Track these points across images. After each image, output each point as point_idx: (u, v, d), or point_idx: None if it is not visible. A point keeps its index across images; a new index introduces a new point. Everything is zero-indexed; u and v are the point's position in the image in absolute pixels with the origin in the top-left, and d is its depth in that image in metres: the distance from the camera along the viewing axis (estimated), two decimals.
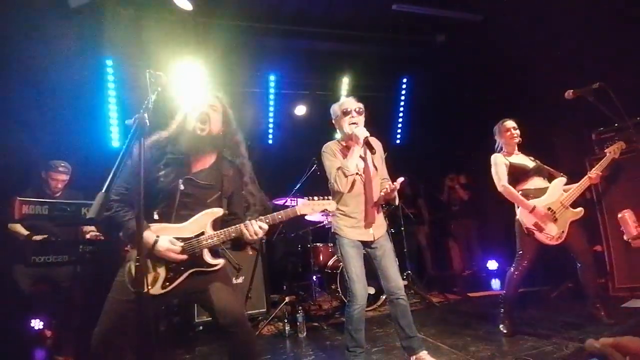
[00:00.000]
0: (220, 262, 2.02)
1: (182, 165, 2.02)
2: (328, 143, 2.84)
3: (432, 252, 6.49)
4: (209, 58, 5.20)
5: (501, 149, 3.44)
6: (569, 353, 2.65)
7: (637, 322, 3.08)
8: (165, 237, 1.86)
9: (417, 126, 6.93)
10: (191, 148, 2.05)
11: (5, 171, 3.85)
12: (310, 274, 4.82)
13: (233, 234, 1.98)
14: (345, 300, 2.87)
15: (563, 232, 3.13)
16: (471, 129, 5.62)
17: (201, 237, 1.95)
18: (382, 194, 2.66)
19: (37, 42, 4.09)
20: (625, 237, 3.69)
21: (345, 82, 6.40)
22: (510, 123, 3.38)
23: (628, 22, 3.99)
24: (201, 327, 4.11)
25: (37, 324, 3.82)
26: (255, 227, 1.96)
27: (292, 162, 4.81)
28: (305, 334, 3.78)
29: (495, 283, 5.75)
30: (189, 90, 2.05)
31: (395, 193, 2.66)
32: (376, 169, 2.79)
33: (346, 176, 2.57)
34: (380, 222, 2.79)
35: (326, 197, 2.23)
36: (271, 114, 6.34)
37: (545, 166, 3.37)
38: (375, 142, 2.80)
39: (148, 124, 1.61)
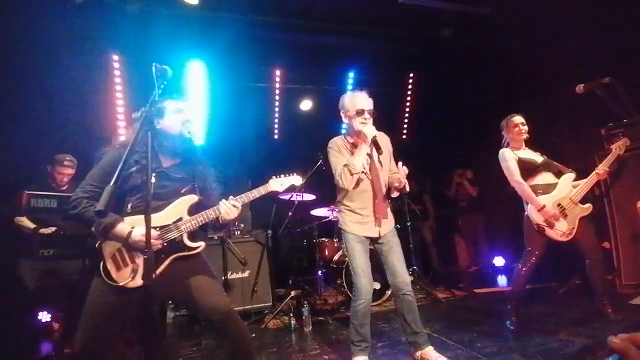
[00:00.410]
0: (201, 244, 2.08)
1: (152, 161, 2.04)
2: (334, 138, 2.83)
3: (438, 248, 6.47)
4: (215, 52, 5.19)
5: (508, 144, 3.41)
6: (576, 350, 2.64)
7: None
8: (139, 226, 1.88)
9: (423, 122, 6.87)
10: (176, 149, 2.11)
11: (12, 165, 3.88)
12: (315, 269, 4.83)
13: (212, 216, 2.06)
14: (351, 295, 2.88)
15: (573, 228, 3.12)
16: (477, 124, 5.57)
17: (179, 222, 2.01)
18: (397, 185, 2.68)
19: (42, 38, 4.10)
20: None
21: (351, 77, 6.37)
22: (518, 118, 3.35)
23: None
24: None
25: (44, 316, 3.85)
26: (228, 205, 2.07)
27: (298, 157, 4.80)
28: (310, 327, 3.79)
29: (502, 279, 5.72)
30: (166, 92, 2.05)
31: (405, 181, 2.66)
32: (382, 165, 2.78)
33: (352, 174, 2.57)
34: (387, 219, 2.78)
35: (292, 174, 2.40)
36: (277, 109, 6.32)
37: (553, 162, 3.34)
38: (383, 137, 2.79)
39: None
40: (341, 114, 2.82)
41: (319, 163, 4.26)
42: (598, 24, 4.21)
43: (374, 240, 2.74)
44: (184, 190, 2.10)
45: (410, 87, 6.85)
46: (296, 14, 5.09)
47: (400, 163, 2.68)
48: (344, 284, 4.30)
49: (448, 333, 3.28)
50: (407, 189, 2.73)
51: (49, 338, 3.80)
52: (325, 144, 2.84)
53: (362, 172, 2.66)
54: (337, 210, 2.93)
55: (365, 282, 2.61)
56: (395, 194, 2.82)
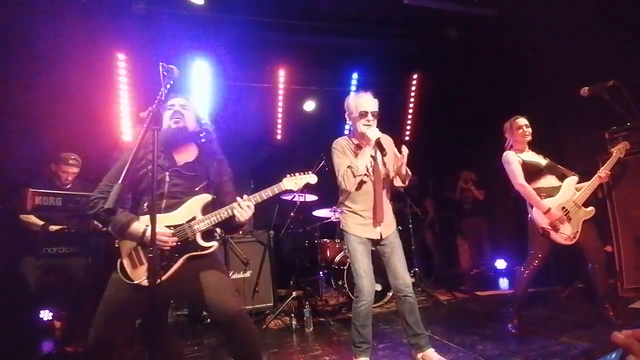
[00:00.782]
0: (214, 244, 2.06)
1: (165, 160, 2.07)
2: (338, 139, 2.83)
3: (440, 251, 6.46)
4: (219, 52, 5.20)
5: (511, 146, 3.40)
6: (578, 353, 2.63)
7: None
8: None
9: (427, 123, 6.87)
10: (168, 142, 2.08)
11: (15, 164, 3.89)
12: (317, 270, 4.83)
13: (225, 215, 2.04)
14: (352, 296, 2.88)
15: (577, 231, 3.11)
16: (481, 125, 5.57)
17: (192, 222, 2.00)
18: (399, 166, 2.66)
19: (47, 37, 4.12)
20: None
21: (354, 78, 6.37)
22: (522, 120, 3.34)
23: None
24: (209, 320, 4.15)
25: (46, 314, 3.86)
26: (243, 205, 2.04)
27: (301, 157, 4.80)
28: (312, 328, 3.80)
29: (504, 282, 5.71)
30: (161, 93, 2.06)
31: (406, 167, 2.66)
32: (386, 167, 2.78)
33: (355, 176, 2.57)
34: (389, 221, 2.78)
35: (307, 172, 2.30)
36: (280, 109, 6.32)
37: (557, 164, 3.33)
38: (387, 139, 2.79)
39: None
40: (346, 116, 2.83)
41: (321, 164, 4.27)
42: (603, 25, 4.21)
43: (375, 242, 2.74)
44: (197, 188, 2.09)
45: (414, 87, 6.85)
46: (300, 14, 5.10)
47: (403, 146, 2.66)
48: (346, 285, 4.29)
49: (450, 335, 3.27)
50: (408, 172, 2.72)
51: (50, 336, 3.81)
52: (329, 144, 2.84)
53: (365, 174, 2.66)
54: (339, 211, 2.93)
55: (366, 283, 2.61)
56: (398, 182, 2.79)
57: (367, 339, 2.63)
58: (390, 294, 4.23)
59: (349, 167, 2.59)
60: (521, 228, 3.35)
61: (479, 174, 6.24)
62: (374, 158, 2.71)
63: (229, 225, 2.13)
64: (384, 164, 2.76)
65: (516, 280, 3.34)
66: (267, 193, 2.14)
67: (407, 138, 7.01)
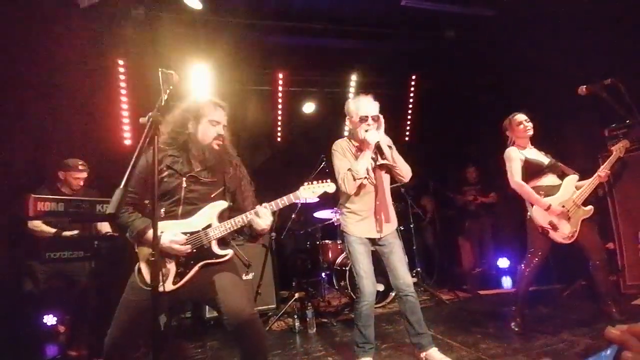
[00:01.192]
0: (229, 252, 2.05)
1: (183, 166, 2.06)
2: (338, 141, 2.84)
3: (441, 250, 6.45)
4: (218, 56, 5.22)
5: (514, 143, 3.38)
6: (581, 351, 2.63)
7: None
8: (169, 231, 1.90)
9: (426, 123, 6.87)
10: (203, 159, 2.07)
11: (16, 170, 3.91)
12: (319, 271, 4.84)
13: (240, 223, 2.03)
14: (354, 297, 2.89)
15: (576, 230, 3.11)
16: (480, 125, 5.58)
17: (208, 229, 2.00)
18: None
19: (48, 43, 4.14)
20: None
21: (353, 79, 6.38)
22: (521, 116, 3.33)
23: None
24: (212, 322, 4.17)
25: (50, 319, 3.88)
26: (262, 213, 2.01)
27: (301, 159, 4.82)
28: (314, 330, 3.81)
29: (506, 281, 5.71)
30: (201, 101, 2.06)
31: (401, 159, 2.72)
32: (386, 169, 2.79)
33: (355, 179, 2.58)
34: (389, 221, 2.79)
35: (325, 180, 2.26)
36: (279, 112, 6.32)
37: (559, 163, 3.34)
38: (386, 139, 2.79)
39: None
40: (347, 119, 2.85)
41: (322, 165, 4.28)
42: (601, 24, 4.21)
43: (374, 242, 2.76)
44: (214, 195, 2.08)
45: (413, 88, 6.86)
46: (299, 17, 5.12)
47: (384, 145, 2.70)
48: (348, 286, 4.31)
49: (452, 334, 3.28)
50: (407, 165, 2.76)
51: (54, 341, 3.82)
52: (328, 146, 2.85)
53: (366, 177, 2.67)
54: (339, 212, 2.94)
55: (367, 283, 2.62)
56: (400, 177, 2.79)
57: (370, 339, 2.64)
58: (393, 294, 4.23)
59: (349, 170, 2.61)
60: (523, 227, 3.35)
61: (480, 173, 6.24)
62: (374, 160, 2.73)
63: (249, 234, 2.12)
64: (384, 166, 2.77)
65: (517, 278, 3.35)
66: (283, 201, 2.10)
67: (406, 138, 7.02)
